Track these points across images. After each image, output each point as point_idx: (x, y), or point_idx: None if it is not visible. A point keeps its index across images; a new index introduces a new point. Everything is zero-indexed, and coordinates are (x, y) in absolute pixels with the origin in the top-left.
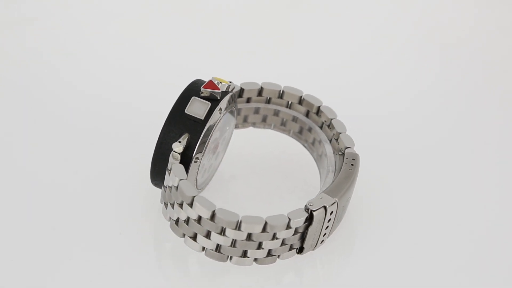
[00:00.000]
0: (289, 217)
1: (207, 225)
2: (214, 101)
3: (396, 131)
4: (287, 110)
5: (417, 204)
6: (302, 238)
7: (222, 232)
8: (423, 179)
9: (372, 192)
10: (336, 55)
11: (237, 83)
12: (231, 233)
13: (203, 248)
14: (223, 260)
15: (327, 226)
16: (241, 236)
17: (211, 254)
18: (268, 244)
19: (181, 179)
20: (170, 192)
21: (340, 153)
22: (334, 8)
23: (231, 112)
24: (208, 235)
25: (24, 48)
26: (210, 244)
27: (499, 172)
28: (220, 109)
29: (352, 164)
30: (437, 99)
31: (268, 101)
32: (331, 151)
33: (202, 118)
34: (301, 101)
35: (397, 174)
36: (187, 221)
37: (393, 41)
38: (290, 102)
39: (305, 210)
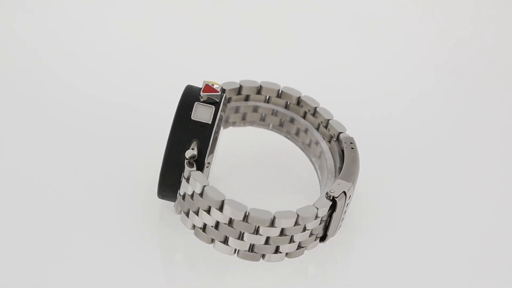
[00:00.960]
0: (316, 207)
1: (240, 226)
2: (215, 104)
3: (396, 131)
4: (266, 104)
5: (417, 204)
6: (326, 226)
7: (256, 231)
8: (424, 179)
9: (372, 192)
10: (335, 55)
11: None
12: (265, 231)
13: (235, 251)
14: (256, 259)
15: (345, 211)
16: (275, 232)
17: (245, 255)
18: (298, 237)
19: (204, 185)
20: (192, 199)
21: (334, 139)
22: (333, 8)
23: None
24: (241, 237)
25: (23, 48)
26: (244, 245)
27: (499, 172)
28: (222, 110)
29: (352, 148)
30: (438, 99)
31: (247, 98)
32: (321, 137)
33: (210, 122)
34: (279, 94)
35: (397, 174)
36: (216, 225)
37: (393, 41)
38: (268, 97)
39: (328, 198)
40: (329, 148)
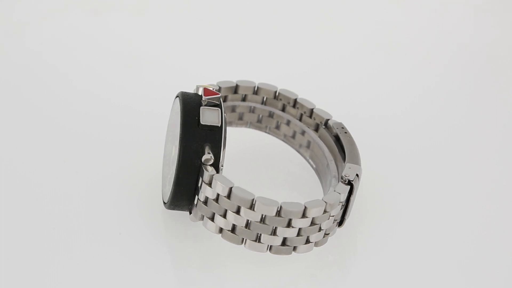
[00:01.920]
0: (338, 192)
1: (273, 222)
2: (218, 106)
3: (397, 131)
4: (242, 102)
5: (420, 203)
6: (344, 211)
7: (288, 224)
8: (425, 179)
9: (374, 192)
10: (334, 55)
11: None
12: (297, 223)
13: (268, 247)
14: (289, 252)
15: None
16: (306, 223)
17: (278, 250)
18: (324, 224)
19: (231, 187)
20: (216, 202)
21: (322, 127)
22: (333, 10)
23: None
24: (274, 232)
25: (23, 48)
26: (277, 240)
27: (502, 170)
28: (225, 111)
29: (345, 132)
30: (440, 98)
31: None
32: (305, 127)
33: (219, 124)
34: (255, 91)
35: (399, 174)
36: (247, 225)
37: (393, 41)
38: (244, 95)
39: (344, 183)
40: (319, 136)
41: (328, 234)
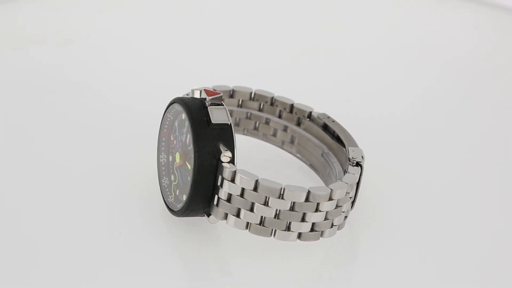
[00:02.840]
0: (353, 173)
1: (302, 208)
2: (221, 104)
3: (399, 130)
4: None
5: (424, 205)
6: (355, 193)
7: (317, 209)
8: (427, 179)
9: (376, 192)
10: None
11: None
12: (324, 207)
13: (298, 235)
14: (317, 238)
15: None
16: (332, 206)
17: (307, 236)
18: (344, 207)
19: (257, 179)
20: (242, 197)
21: (307, 119)
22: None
23: None
24: (303, 218)
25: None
26: (306, 227)
27: (505, 171)
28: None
29: (333, 121)
30: (441, 96)
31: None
32: (287, 122)
33: (229, 122)
34: (232, 94)
35: (400, 174)
36: (276, 215)
37: (392, 43)
38: (241, 100)
39: (353, 165)
40: (304, 129)
41: (346, 216)
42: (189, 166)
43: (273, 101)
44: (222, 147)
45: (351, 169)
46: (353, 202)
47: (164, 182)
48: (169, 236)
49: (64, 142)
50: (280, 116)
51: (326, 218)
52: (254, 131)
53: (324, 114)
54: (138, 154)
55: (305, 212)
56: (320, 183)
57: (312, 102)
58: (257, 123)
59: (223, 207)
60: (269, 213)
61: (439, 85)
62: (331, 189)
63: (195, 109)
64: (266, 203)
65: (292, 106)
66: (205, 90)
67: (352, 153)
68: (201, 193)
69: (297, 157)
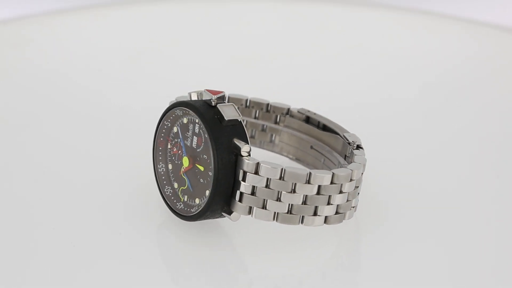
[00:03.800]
0: (360, 155)
1: (328, 191)
2: (225, 102)
3: (400, 130)
4: None
5: (426, 204)
6: None
7: (341, 191)
8: (428, 179)
9: (378, 191)
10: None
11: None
12: (346, 187)
13: (325, 219)
14: (341, 220)
15: None
16: (352, 186)
17: (335, 219)
18: (360, 188)
19: (282, 168)
20: (268, 188)
21: (287, 115)
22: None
23: None
24: (329, 201)
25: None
26: (332, 209)
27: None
28: None
29: (314, 113)
30: (443, 95)
31: None
32: (264, 122)
33: (239, 117)
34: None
35: (404, 174)
36: (304, 201)
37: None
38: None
39: (355, 148)
40: (285, 126)
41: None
42: (202, 168)
43: (248, 104)
44: (238, 142)
45: (356, 151)
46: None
47: (167, 191)
48: (171, 236)
49: (63, 141)
50: (256, 117)
51: (348, 200)
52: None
53: (303, 109)
54: (138, 153)
55: (330, 194)
56: None
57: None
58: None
59: (247, 201)
60: (297, 199)
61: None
62: (351, 170)
63: (204, 110)
64: (293, 190)
65: (268, 105)
66: (207, 90)
67: (349, 138)
68: (222, 191)
69: (283, 155)
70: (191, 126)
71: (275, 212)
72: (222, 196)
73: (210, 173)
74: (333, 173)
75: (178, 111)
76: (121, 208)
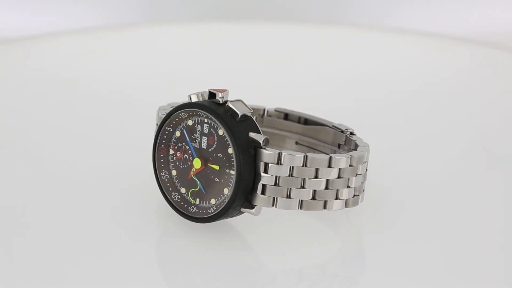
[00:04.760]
0: (361, 139)
1: (347, 173)
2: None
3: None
4: None
5: (429, 203)
6: None
7: (356, 173)
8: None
9: (380, 191)
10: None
11: None
12: (360, 169)
13: (346, 202)
14: (357, 203)
15: None
16: (364, 168)
17: (354, 201)
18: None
19: (304, 154)
20: (292, 176)
21: (266, 116)
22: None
23: None
24: (348, 184)
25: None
26: (350, 192)
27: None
28: None
29: (293, 111)
30: (445, 94)
31: None
32: None
33: (250, 111)
34: None
35: (401, 174)
36: (326, 185)
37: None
38: None
39: (349, 135)
40: (264, 126)
41: None
42: (217, 167)
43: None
44: (255, 135)
45: (353, 137)
46: None
47: (174, 198)
48: (171, 236)
49: (63, 141)
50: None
51: (362, 182)
52: None
53: (279, 108)
54: (138, 153)
55: (349, 177)
56: None
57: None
58: None
59: (271, 192)
60: (320, 185)
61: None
62: (363, 152)
63: (215, 108)
64: (316, 176)
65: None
66: (211, 90)
67: (340, 126)
68: (244, 186)
69: None
70: (198, 127)
71: (299, 200)
72: (244, 192)
73: (228, 170)
74: (350, 155)
75: (182, 114)
76: (121, 208)
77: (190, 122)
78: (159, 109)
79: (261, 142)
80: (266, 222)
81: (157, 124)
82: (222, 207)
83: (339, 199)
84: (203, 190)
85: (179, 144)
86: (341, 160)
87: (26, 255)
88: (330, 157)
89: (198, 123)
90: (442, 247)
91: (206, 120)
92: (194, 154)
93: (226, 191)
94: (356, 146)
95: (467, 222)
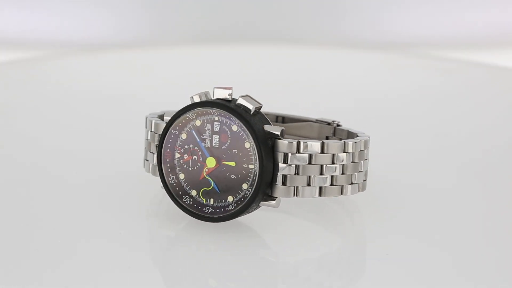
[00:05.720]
0: (351, 128)
1: (360, 157)
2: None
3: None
4: None
5: (430, 201)
6: None
7: (365, 157)
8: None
9: (381, 190)
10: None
11: None
12: (367, 153)
13: (359, 187)
14: (364, 188)
15: None
16: (368, 154)
17: (363, 186)
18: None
19: (322, 141)
20: (311, 163)
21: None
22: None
23: None
24: (360, 168)
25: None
26: (362, 176)
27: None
28: None
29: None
30: (445, 94)
31: None
32: None
33: (261, 105)
34: None
35: (406, 174)
36: (343, 169)
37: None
38: None
39: (335, 126)
40: None
41: None
42: (233, 164)
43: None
44: (271, 128)
45: (343, 127)
46: None
47: (186, 201)
48: (171, 235)
49: (63, 140)
50: None
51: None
52: None
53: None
54: (138, 153)
55: (361, 161)
56: None
57: None
58: None
59: (292, 181)
60: (337, 170)
61: None
62: (367, 136)
63: (228, 103)
64: (333, 162)
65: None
66: (217, 87)
67: (324, 120)
68: (266, 180)
69: None
70: (208, 126)
71: (320, 187)
72: (266, 184)
73: (246, 165)
74: (357, 140)
75: (190, 115)
76: (121, 207)
77: (198, 123)
78: (190, 98)
79: (278, 133)
80: (266, 222)
81: (147, 130)
82: (243, 202)
83: (353, 183)
84: (217, 189)
85: (186, 146)
86: (356, 144)
87: (25, 255)
88: (344, 142)
89: (207, 122)
90: (442, 247)
91: (217, 118)
92: (206, 154)
93: (245, 186)
94: (349, 135)
95: (467, 222)
